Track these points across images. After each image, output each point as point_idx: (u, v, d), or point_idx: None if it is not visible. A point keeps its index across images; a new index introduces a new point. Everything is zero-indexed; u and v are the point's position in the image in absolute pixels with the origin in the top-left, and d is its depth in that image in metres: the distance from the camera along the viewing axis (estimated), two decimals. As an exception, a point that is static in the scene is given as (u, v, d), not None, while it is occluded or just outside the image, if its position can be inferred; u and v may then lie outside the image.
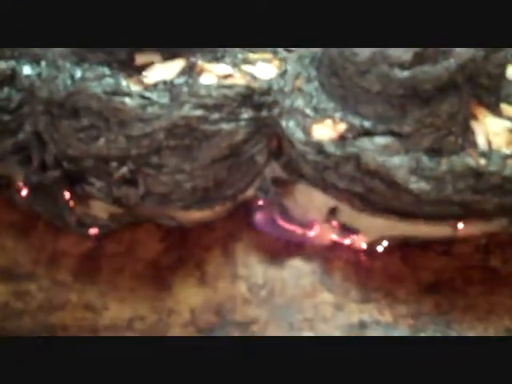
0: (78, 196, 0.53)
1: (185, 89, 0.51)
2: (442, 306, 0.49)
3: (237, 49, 0.57)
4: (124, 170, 0.51)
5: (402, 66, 0.50)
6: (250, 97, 0.52)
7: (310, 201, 0.54)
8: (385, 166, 0.49)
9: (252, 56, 0.57)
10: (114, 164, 0.51)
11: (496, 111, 0.51)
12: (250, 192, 0.54)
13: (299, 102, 0.53)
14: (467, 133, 0.50)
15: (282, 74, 0.55)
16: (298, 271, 0.51)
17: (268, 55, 0.57)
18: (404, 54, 0.50)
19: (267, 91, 0.53)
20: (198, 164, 0.51)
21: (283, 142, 0.53)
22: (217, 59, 0.55)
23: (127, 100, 0.50)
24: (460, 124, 0.50)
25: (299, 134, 0.52)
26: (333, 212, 0.53)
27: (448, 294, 0.50)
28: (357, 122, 0.51)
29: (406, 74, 0.49)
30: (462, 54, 0.49)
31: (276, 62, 0.56)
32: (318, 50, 0.56)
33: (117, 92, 0.51)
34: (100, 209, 0.54)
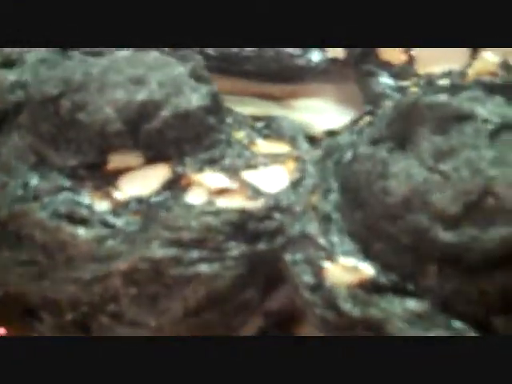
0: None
1: (161, 214, 0.40)
2: None
3: (244, 141, 0.46)
4: (74, 314, 0.40)
5: (446, 222, 0.36)
6: (244, 225, 0.40)
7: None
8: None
9: (263, 149, 0.45)
10: (64, 304, 0.40)
11: None
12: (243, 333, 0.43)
13: (312, 228, 0.41)
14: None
15: (296, 183, 0.43)
16: None
17: (285, 147, 0.46)
18: (451, 204, 0.36)
19: (269, 213, 0.41)
20: (167, 318, 0.39)
21: (286, 281, 0.41)
22: (214, 161, 0.43)
23: (80, 231, 0.39)
24: None
25: (308, 276, 0.40)
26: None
27: None
28: (381, 272, 0.38)
29: (449, 237, 0.36)
30: None
31: (290, 164, 0.44)
32: (347, 146, 0.44)
33: (71, 216, 0.40)
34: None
